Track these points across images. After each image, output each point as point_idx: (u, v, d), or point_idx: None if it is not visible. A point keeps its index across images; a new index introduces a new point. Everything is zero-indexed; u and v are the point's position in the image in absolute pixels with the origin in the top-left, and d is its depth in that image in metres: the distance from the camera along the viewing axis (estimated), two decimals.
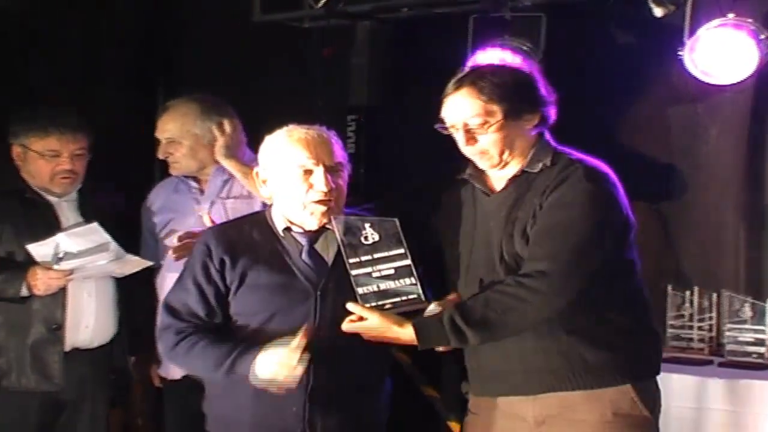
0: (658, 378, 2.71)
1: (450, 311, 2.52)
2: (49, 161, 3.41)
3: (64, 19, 4.48)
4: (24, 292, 3.29)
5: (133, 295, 3.52)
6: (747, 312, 3.78)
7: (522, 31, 4.00)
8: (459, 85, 2.64)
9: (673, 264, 4.13)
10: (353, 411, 2.69)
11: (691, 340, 3.90)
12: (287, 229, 2.70)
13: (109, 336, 3.49)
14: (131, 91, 4.77)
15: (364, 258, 2.56)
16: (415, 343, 2.53)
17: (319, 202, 2.63)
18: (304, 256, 2.67)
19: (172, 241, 3.34)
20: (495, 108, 2.60)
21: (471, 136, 2.62)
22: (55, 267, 3.25)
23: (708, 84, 3.80)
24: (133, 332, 3.53)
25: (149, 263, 3.41)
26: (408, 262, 2.56)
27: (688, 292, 3.93)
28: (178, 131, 3.46)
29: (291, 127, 2.70)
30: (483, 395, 2.73)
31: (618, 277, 2.64)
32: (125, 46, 4.79)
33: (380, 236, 2.57)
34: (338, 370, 2.62)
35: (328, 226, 2.66)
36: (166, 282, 3.42)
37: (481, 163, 2.67)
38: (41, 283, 3.27)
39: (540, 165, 2.64)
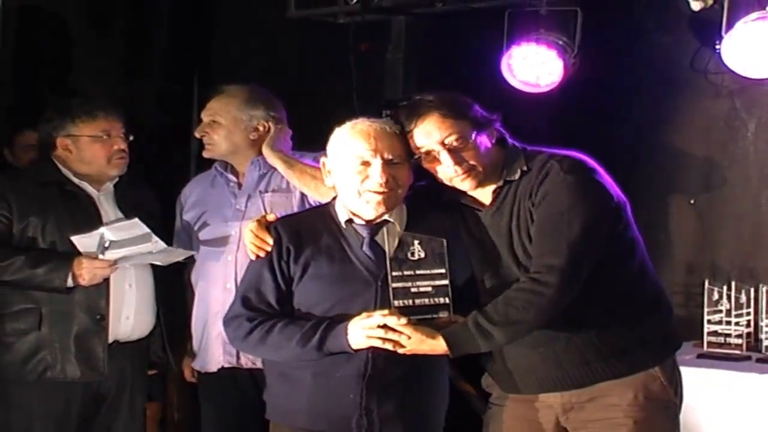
0: (695, 371, 2.89)
1: (473, 315, 2.66)
2: (104, 143, 3.54)
3: (103, 17, 4.63)
4: (69, 282, 3.38)
5: (170, 290, 3.65)
6: None
7: (557, 26, 4.07)
8: (418, 116, 2.75)
9: (710, 259, 4.21)
10: (410, 401, 2.81)
11: (728, 335, 3.96)
12: (349, 221, 2.83)
13: (148, 329, 3.61)
14: (167, 88, 4.89)
15: (407, 272, 2.70)
16: (447, 352, 2.67)
17: (375, 192, 2.76)
18: (365, 247, 2.80)
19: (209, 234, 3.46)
20: (464, 124, 2.74)
21: (457, 155, 2.73)
22: (101, 257, 3.37)
23: (746, 78, 3.88)
24: (170, 327, 3.66)
25: (192, 252, 3.51)
26: (446, 282, 2.70)
27: (725, 287, 3.99)
28: (219, 110, 3.52)
29: (359, 119, 2.83)
30: (511, 392, 2.86)
31: (625, 257, 2.77)
32: (161, 42, 4.92)
33: (426, 254, 2.71)
34: (395, 359, 2.72)
35: (387, 217, 2.80)
36: (202, 277, 3.54)
37: (465, 184, 2.78)
38: (87, 272, 3.38)
39: (518, 171, 2.77)
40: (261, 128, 3.54)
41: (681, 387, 2.85)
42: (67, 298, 3.45)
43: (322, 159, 2.88)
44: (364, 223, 2.82)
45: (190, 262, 3.60)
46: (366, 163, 2.75)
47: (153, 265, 3.57)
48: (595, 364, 2.73)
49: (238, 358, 3.45)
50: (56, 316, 3.48)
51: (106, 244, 3.36)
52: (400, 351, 2.67)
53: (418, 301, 2.69)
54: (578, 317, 2.71)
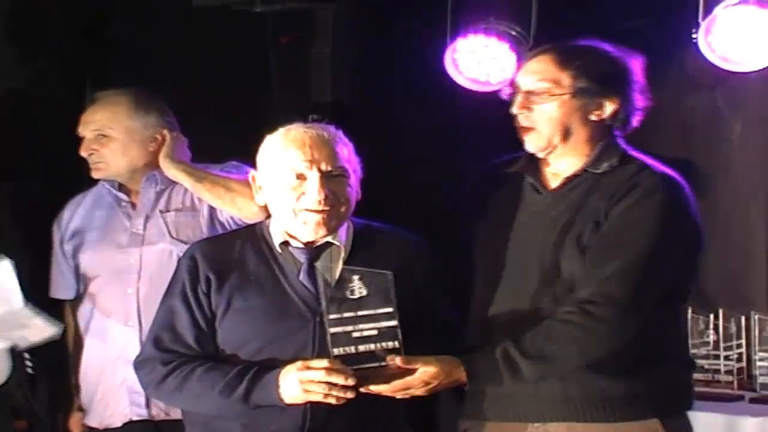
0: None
1: (504, 343, 2.57)
2: None
3: None
4: None
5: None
6: None
7: (509, 14, 4.02)
8: (542, 51, 2.73)
9: (693, 282, 4.08)
10: None
11: (717, 371, 3.92)
12: (285, 244, 2.71)
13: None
14: (57, 89, 4.58)
15: (346, 315, 2.55)
16: (462, 381, 2.59)
17: (313, 211, 2.64)
18: (302, 275, 2.67)
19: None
20: (566, 80, 2.66)
21: (527, 102, 2.68)
22: None
23: (728, 71, 3.74)
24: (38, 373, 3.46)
25: (55, 330, 3.23)
26: (395, 323, 2.55)
27: (711, 316, 3.95)
28: (108, 122, 3.41)
29: (291, 126, 2.73)
30: (484, 419, 2.75)
31: (673, 299, 2.69)
32: (48, 36, 4.61)
33: (369, 291, 2.56)
34: (339, 410, 2.58)
35: (331, 240, 2.68)
36: (94, 315, 3.39)
37: (528, 142, 2.71)
38: None
39: (605, 165, 2.68)
40: (158, 137, 3.43)
41: None
42: None
43: (251, 172, 2.79)
44: (302, 246, 2.70)
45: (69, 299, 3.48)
46: (301, 177, 2.65)
47: None
48: (576, 401, 2.64)
49: (148, 408, 3.33)
50: None
51: None
52: (384, 391, 2.56)
53: (361, 348, 2.55)
54: None
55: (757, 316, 3.85)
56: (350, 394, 2.53)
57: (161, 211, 3.39)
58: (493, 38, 3.98)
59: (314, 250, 2.69)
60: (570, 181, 2.70)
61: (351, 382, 2.51)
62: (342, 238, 2.71)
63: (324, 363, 2.53)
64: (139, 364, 2.78)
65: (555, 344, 2.56)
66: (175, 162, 3.35)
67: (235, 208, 3.23)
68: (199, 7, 4.36)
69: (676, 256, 2.63)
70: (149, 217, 3.40)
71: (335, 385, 2.52)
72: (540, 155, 2.73)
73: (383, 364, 2.53)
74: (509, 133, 4.06)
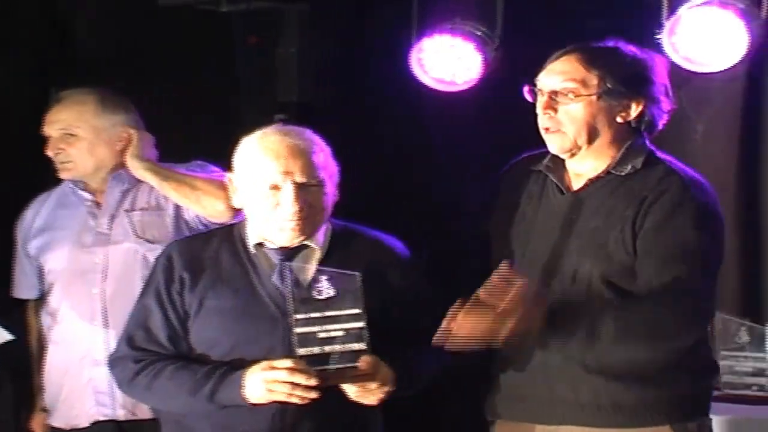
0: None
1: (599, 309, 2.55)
2: None
3: None
4: None
5: None
6: (744, 337, 3.74)
7: (475, 14, 4.02)
8: (567, 51, 2.70)
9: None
10: None
11: None
12: (260, 245, 2.70)
13: None
14: (21, 88, 4.53)
15: (313, 315, 2.53)
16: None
17: (288, 221, 2.64)
18: (275, 276, 2.66)
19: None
20: (593, 80, 2.64)
21: (552, 103, 2.66)
22: None
23: (692, 72, 3.77)
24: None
25: (9, 337, 3.25)
26: (362, 324, 2.53)
27: None
28: (74, 121, 3.38)
29: (268, 130, 2.71)
30: (503, 417, 2.77)
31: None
32: (12, 35, 4.56)
33: (337, 292, 2.54)
34: (310, 410, 2.57)
35: (307, 242, 2.68)
36: (59, 315, 3.37)
37: (551, 143, 2.69)
38: None
39: (629, 167, 2.66)
40: (125, 135, 3.41)
41: None
42: None
43: (228, 175, 2.78)
44: (276, 247, 2.69)
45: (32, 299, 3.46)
46: (276, 188, 2.63)
47: None
48: (587, 406, 2.65)
49: (114, 408, 3.31)
50: None
51: None
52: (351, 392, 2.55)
53: (327, 349, 2.53)
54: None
55: (719, 316, 3.76)
56: (313, 395, 2.52)
57: (126, 211, 3.37)
58: (458, 38, 3.99)
59: (289, 252, 2.69)
60: (593, 182, 2.68)
61: (313, 382, 2.49)
62: (319, 240, 2.71)
63: (288, 363, 2.52)
64: (112, 362, 2.78)
65: (644, 323, 2.55)
66: (141, 161, 3.34)
67: (200, 207, 3.23)
68: (164, 7, 4.33)
69: (714, 260, 2.65)
70: (114, 216, 3.37)
71: (298, 385, 2.51)
72: (563, 156, 2.71)
73: (348, 365, 2.52)
74: (477, 131, 4.12)
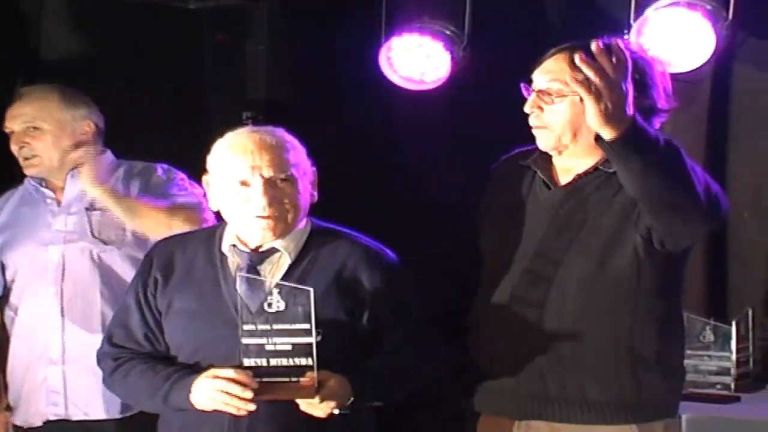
0: None
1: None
2: None
3: None
4: None
5: None
6: (709, 336, 3.73)
7: (444, 13, 3.99)
8: (558, 50, 2.72)
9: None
10: None
11: None
12: (233, 246, 2.69)
13: None
14: None
15: (261, 327, 2.51)
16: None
17: (258, 216, 2.63)
18: (239, 282, 2.62)
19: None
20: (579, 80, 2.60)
21: (539, 101, 2.69)
22: None
23: None
24: None
25: None
26: (310, 340, 2.49)
27: None
28: (37, 114, 3.39)
29: (240, 130, 2.71)
30: (475, 408, 2.81)
31: (660, 297, 2.67)
32: None
33: (287, 305, 2.50)
34: (263, 421, 2.57)
35: (276, 246, 2.66)
36: (20, 311, 3.37)
37: (539, 140, 2.72)
38: None
39: None
40: (88, 128, 3.45)
41: None
42: None
43: (204, 177, 2.76)
44: (248, 250, 2.68)
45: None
46: (245, 183, 2.63)
47: None
48: (554, 400, 2.66)
49: (66, 408, 3.32)
50: None
51: None
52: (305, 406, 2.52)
53: (273, 361, 2.51)
54: (564, 345, 2.63)
55: (684, 314, 3.65)
56: (251, 407, 2.50)
57: (86, 209, 3.37)
58: (427, 37, 3.97)
59: (258, 255, 2.67)
60: (581, 178, 2.70)
61: (248, 395, 2.48)
62: (291, 243, 2.68)
63: (229, 373, 2.51)
64: (98, 358, 2.80)
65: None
66: (96, 185, 3.31)
67: (144, 230, 3.27)
68: (132, 4, 4.30)
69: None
70: (73, 214, 3.37)
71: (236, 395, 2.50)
72: (551, 153, 2.74)
73: (293, 380, 2.50)
74: (446, 130, 4.11)
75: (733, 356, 3.68)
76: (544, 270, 2.66)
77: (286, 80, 4.47)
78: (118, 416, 3.29)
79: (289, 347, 2.49)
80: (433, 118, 4.13)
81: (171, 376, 2.62)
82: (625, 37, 3.70)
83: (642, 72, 2.68)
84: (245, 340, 2.50)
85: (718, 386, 3.67)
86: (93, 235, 3.31)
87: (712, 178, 2.60)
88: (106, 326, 2.91)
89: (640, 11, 3.71)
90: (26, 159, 3.40)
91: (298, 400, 2.52)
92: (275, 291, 2.50)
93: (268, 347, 2.49)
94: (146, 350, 2.72)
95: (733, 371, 3.67)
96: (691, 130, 3.99)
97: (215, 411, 2.55)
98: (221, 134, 2.77)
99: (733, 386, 3.66)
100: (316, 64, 4.38)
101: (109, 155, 3.46)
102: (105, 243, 3.30)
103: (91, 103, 3.47)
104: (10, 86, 4.17)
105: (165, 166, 3.41)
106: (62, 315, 3.29)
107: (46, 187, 3.43)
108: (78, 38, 4.43)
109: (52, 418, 3.31)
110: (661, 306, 2.68)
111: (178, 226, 3.13)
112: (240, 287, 2.57)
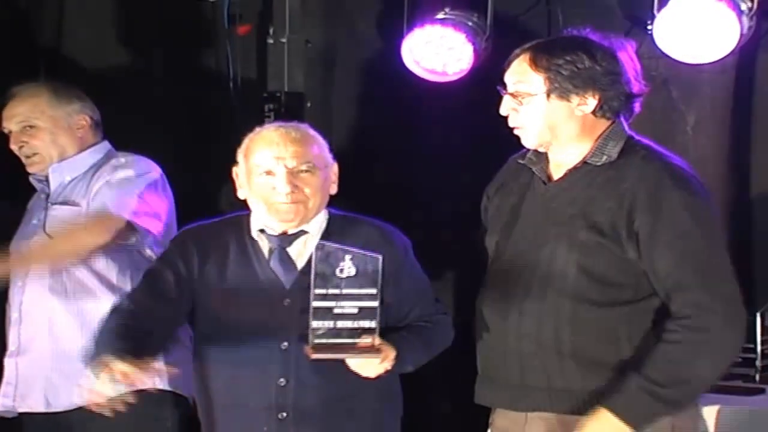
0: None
1: (630, 379, 2.58)
2: None
3: None
4: None
5: None
6: None
7: (466, 4, 3.99)
8: (521, 51, 2.74)
9: None
10: None
11: None
12: (261, 231, 2.87)
13: None
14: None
15: (331, 291, 2.64)
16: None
17: (283, 203, 2.80)
18: (273, 262, 2.84)
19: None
20: (539, 81, 2.68)
21: (512, 104, 2.71)
22: None
23: (683, 63, 3.79)
24: None
25: None
26: (376, 304, 2.65)
27: None
28: (31, 112, 3.43)
29: (268, 125, 2.94)
30: (478, 401, 2.84)
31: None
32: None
33: (357, 271, 2.64)
34: (311, 391, 2.78)
35: (304, 228, 2.83)
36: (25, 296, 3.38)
37: (522, 139, 2.75)
38: None
39: (605, 158, 2.69)
40: (84, 122, 3.50)
41: None
42: None
43: (234, 169, 2.92)
44: (276, 234, 2.86)
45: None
46: (270, 173, 2.82)
47: None
48: (547, 390, 2.68)
49: (15, 401, 3.37)
50: None
51: None
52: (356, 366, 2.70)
53: (339, 324, 2.65)
54: (563, 340, 2.65)
55: None
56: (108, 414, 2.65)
57: (52, 203, 3.42)
58: (449, 28, 3.95)
59: (287, 238, 2.85)
60: (571, 173, 2.72)
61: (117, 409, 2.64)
62: (315, 226, 2.86)
63: (123, 367, 2.59)
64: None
65: (683, 365, 2.56)
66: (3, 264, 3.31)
67: (87, 248, 3.27)
68: None
69: (722, 241, 2.71)
70: (47, 208, 3.43)
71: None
72: (540, 150, 2.76)
73: (357, 341, 2.64)
74: (468, 122, 4.11)
75: (758, 348, 3.66)
76: (542, 264, 2.68)
77: (306, 72, 4.45)
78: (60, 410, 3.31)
79: (356, 310, 2.63)
80: (455, 110, 4.14)
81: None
82: (648, 28, 3.73)
83: (610, 61, 2.67)
84: (315, 303, 2.63)
85: (743, 378, 3.65)
86: (44, 230, 3.35)
87: (728, 277, 2.66)
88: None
89: (664, 2, 3.70)
90: (27, 157, 3.46)
91: (350, 361, 2.67)
92: (347, 257, 2.62)
93: (336, 310, 2.63)
94: (156, 313, 2.83)
95: (757, 363, 3.66)
96: (715, 122, 4.01)
97: (263, 379, 2.76)
98: (243, 126, 2.95)
99: (757, 378, 3.65)
100: (336, 57, 4.40)
101: (101, 147, 3.49)
102: (51, 238, 3.34)
103: (84, 96, 3.52)
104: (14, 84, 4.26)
105: (138, 157, 3.44)
106: (20, 309, 3.36)
107: (46, 181, 3.47)
108: (97, 30, 4.46)
109: (1, 409, 3.38)
110: (658, 299, 2.66)
111: (103, 234, 3.22)
112: (314, 258, 2.63)
